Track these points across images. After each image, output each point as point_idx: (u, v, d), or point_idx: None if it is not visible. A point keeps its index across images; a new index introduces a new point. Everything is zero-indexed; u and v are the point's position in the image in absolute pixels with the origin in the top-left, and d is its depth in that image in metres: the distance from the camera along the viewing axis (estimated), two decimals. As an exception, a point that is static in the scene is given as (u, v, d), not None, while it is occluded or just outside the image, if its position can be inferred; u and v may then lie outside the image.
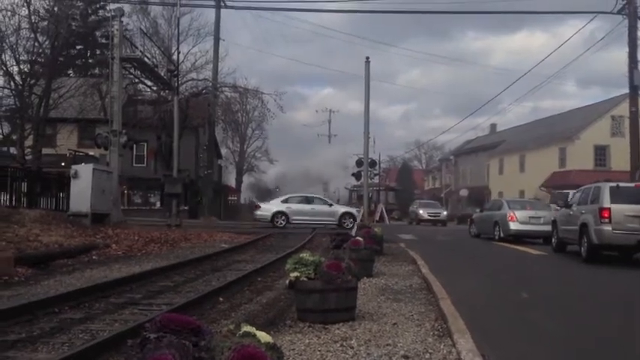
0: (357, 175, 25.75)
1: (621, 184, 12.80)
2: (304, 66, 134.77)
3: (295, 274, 5.86)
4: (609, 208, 12.06)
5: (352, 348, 4.86)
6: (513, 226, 18.88)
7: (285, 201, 26.70)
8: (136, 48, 21.87)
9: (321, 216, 25.73)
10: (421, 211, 38.41)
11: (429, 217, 37.46)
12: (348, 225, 24.73)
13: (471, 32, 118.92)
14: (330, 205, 27.21)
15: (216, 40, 33.65)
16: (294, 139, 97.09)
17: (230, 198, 53.92)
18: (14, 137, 27.43)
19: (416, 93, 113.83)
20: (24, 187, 17.59)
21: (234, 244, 16.14)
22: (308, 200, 26.99)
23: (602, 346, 5.37)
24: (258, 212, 26.77)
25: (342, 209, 27.07)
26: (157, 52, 28.45)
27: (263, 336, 2.51)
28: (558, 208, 16.35)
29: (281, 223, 25.31)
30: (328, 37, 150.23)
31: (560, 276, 11.15)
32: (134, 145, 27.19)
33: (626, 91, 24.16)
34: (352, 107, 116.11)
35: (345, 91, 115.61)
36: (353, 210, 27.20)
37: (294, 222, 25.46)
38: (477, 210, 25.02)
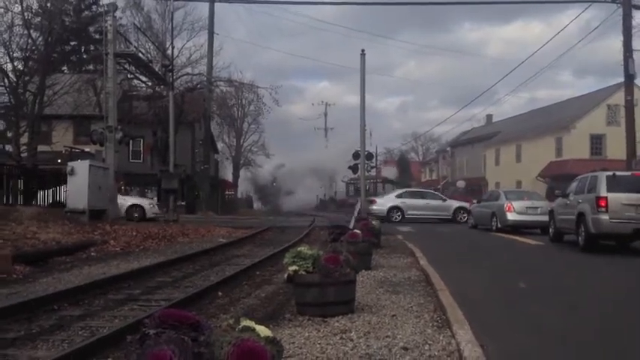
0: (353, 168, 25.75)
1: (618, 173, 12.82)
2: (300, 59, 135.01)
3: (294, 267, 5.85)
4: (606, 197, 12.09)
5: (352, 340, 4.86)
6: (511, 216, 18.92)
7: (400, 196, 26.85)
8: (130, 43, 21.78)
9: (435, 210, 25.92)
10: None
11: None
12: (461, 219, 25.12)
13: (467, 23, 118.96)
14: (444, 200, 27.53)
15: (211, 34, 33.58)
16: (291, 132, 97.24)
17: (227, 193, 53.96)
18: (9, 135, 27.36)
19: (412, 85, 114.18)
20: (20, 184, 17.54)
21: (232, 239, 16.14)
22: (422, 195, 27.40)
23: (601, 336, 5.36)
24: (374, 207, 26.36)
25: (455, 204, 27.16)
26: (151, 47, 28.32)
27: (262, 330, 2.51)
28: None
29: (396, 218, 25.38)
30: (324, 30, 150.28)
31: (557, 266, 11.18)
32: (130, 141, 27.18)
33: (622, 79, 24.20)
34: (349, 100, 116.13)
35: (341, 83, 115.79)
36: (466, 204, 27.22)
37: (408, 216, 25.53)
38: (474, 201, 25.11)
